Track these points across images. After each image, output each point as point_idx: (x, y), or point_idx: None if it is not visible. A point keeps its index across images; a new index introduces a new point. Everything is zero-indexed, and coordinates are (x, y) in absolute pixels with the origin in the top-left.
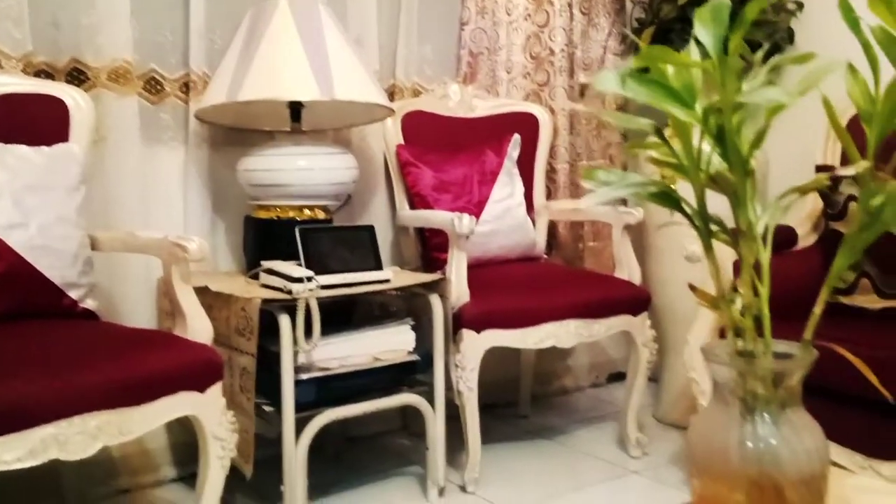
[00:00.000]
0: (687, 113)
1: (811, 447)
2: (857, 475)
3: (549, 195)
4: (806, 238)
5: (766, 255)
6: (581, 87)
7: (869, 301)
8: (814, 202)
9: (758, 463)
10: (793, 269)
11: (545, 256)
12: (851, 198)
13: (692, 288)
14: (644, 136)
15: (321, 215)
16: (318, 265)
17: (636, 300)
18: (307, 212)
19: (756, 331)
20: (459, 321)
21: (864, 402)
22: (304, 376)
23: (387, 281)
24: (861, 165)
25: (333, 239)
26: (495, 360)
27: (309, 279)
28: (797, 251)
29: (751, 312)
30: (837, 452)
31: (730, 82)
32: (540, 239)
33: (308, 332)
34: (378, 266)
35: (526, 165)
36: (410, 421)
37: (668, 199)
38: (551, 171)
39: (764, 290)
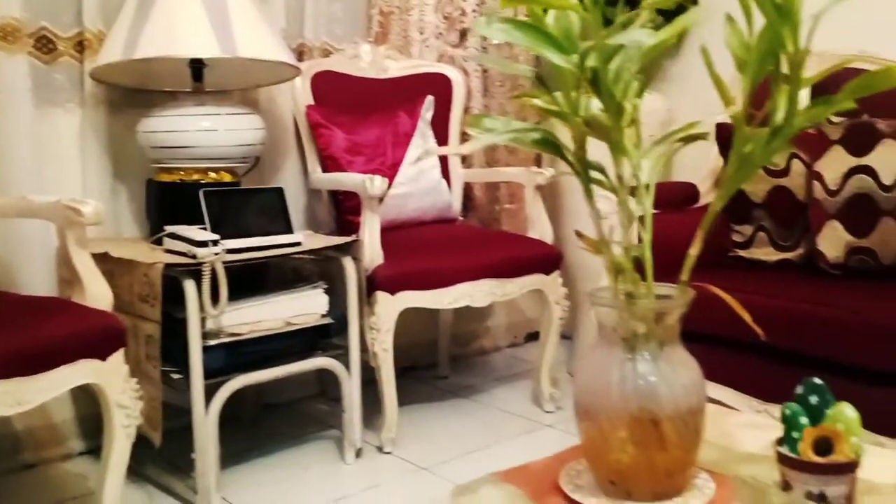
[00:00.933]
0: (563, 58)
1: (688, 383)
2: (743, 413)
3: (464, 158)
4: (707, 195)
5: (648, 202)
6: (461, 31)
7: (765, 254)
8: (716, 159)
9: (638, 399)
10: (693, 223)
11: (461, 218)
12: None
13: (578, 234)
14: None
15: (227, 178)
16: (225, 229)
17: (548, 259)
18: (212, 174)
19: (641, 275)
20: (373, 283)
21: (758, 349)
22: (213, 342)
23: (297, 244)
24: (732, 110)
25: (240, 202)
26: (413, 322)
27: (214, 243)
28: (698, 207)
29: (629, 255)
30: (734, 397)
31: (599, 25)
32: (455, 201)
33: (215, 297)
34: (288, 229)
35: (440, 127)
36: (328, 386)
37: (550, 145)
38: (466, 134)
39: (647, 236)
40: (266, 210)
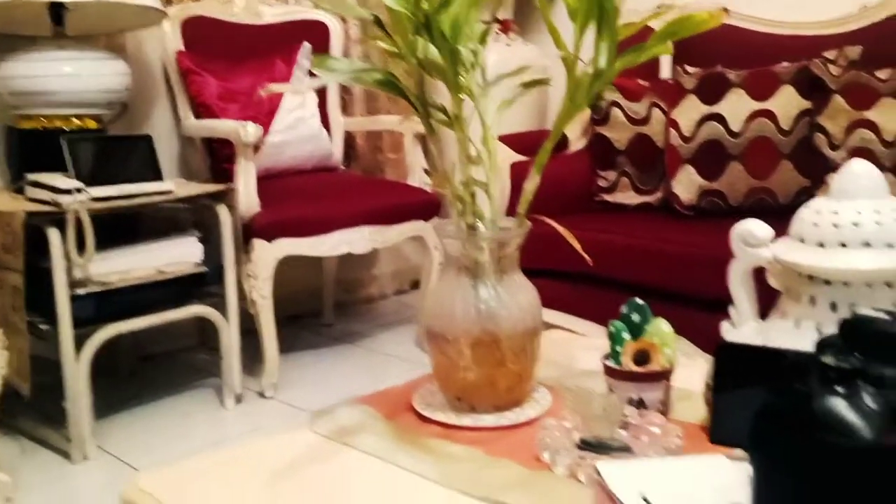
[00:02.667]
0: (397, 2)
1: (526, 307)
2: (588, 338)
3: (346, 106)
4: (577, 143)
5: (491, 142)
6: None
7: (628, 197)
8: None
9: (480, 322)
10: (563, 170)
11: (342, 167)
12: (614, 104)
13: (426, 171)
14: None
15: (92, 125)
16: (90, 177)
17: (427, 206)
18: (76, 121)
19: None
20: (250, 231)
21: (614, 283)
22: (82, 291)
23: (168, 192)
24: (563, 53)
25: (106, 149)
26: (297, 271)
27: (78, 191)
28: (568, 154)
29: (469, 189)
30: (588, 327)
31: None
32: (336, 150)
33: (82, 246)
34: (157, 177)
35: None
36: (209, 336)
37: (391, 85)
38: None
39: (491, 173)
40: (134, 158)
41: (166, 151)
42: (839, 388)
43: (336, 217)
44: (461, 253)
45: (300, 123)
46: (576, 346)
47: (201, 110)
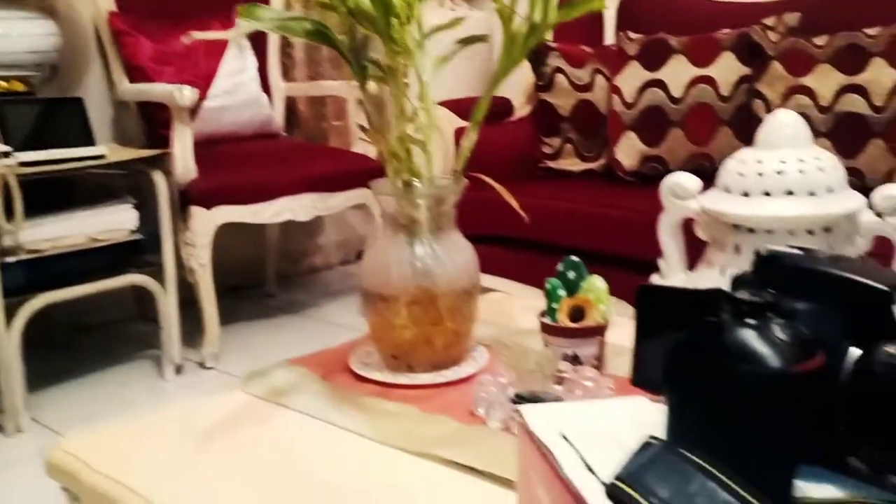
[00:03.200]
0: None
1: (462, 265)
2: (528, 299)
3: (287, 71)
4: (521, 109)
5: (428, 98)
6: None
7: (572, 164)
8: (529, 75)
9: (416, 280)
10: (508, 137)
11: (284, 134)
12: (558, 70)
13: (362, 129)
14: None
15: (20, 87)
16: (18, 141)
17: (371, 173)
18: (3, 84)
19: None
20: (187, 198)
21: (557, 249)
22: (11, 259)
23: (100, 157)
24: (499, 5)
25: (35, 113)
26: (239, 240)
27: (6, 155)
28: (512, 121)
29: (403, 145)
30: (532, 293)
31: None
32: (277, 116)
33: (10, 212)
34: (89, 142)
35: (259, 39)
36: (148, 307)
37: (322, 36)
38: (287, 46)
39: (428, 130)
40: (65, 122)
41: (99, 116)
42: (750, 321)
43: (277, 184)
44: (397, 211)
45: (239, 88)
46: (515, 307)
47: (135, 73)
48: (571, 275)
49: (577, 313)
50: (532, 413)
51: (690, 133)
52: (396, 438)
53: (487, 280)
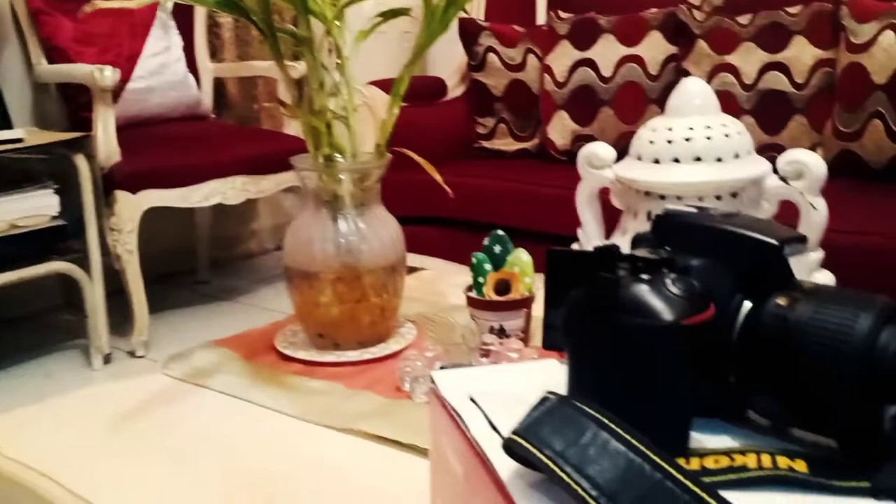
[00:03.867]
0: None
1: (387, 240)
2: (457, 276)
3: (215, 52)
4: (455, 89)
5: (348, 72)
6: None
7: (505, 144)
8: (462, 55)
9: (340, 257)
10: (441, 117)
11: (213, 116)
12: (490, 49)
13: (281, 104)
14: None
15: None
16: None
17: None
18: None
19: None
20: (112, 182)
21: (487, 227)
22: None
23: (18, 141)
24: None
25: None
26: (169, 226)
27: None
28: (446, 101)
29: (323, 119)
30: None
31: None
32: (205, 97)
33: None
34: (6, 125)
35: (184, 18)
36: (74, 295)
37: (233, 6)
38: (214, 26)
39: (349, 104)
40: None
41: (17, 99)
42: (644, 276)
43: (205, 166)
44: (319, 187)
45: (164, 69)
46: (444, 284)
47: (55, 54)
48: (497, 249)
49: (503, 287)
50: (442, 378)
51: (620, 112)
52: (320, 415)
53: (419, 260)
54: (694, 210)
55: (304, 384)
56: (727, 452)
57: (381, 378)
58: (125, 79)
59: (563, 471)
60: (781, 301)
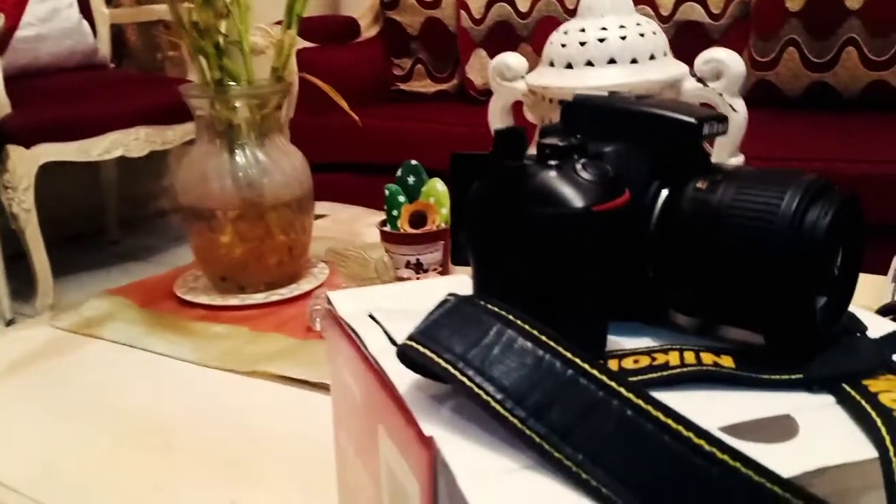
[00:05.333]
0: None
1: (291, 173)
2: (374, 217)
3: None
4: (369, 30)
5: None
6: None
7: (424, 86)
8: None
9: (240, 192)
10: (356, 59)
11: (112, 66)
12: None
13: (165, 25)
14: None
15: None
16: None
17: None
18: None
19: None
20: (3, 136)
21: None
22: None
23: None
24: None
25: None
26: (72, 184)
27: None
28: (360, 42)
29: (211, 40)
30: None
31: None
32: (102, 46)
33: None
34: None
35: None
36: None
37: None
38: None
39: (242, 26)
40: None
41: None
42: (552, 163)
43: (104, 117)
44: (212, 115)
45: (55, 15)
46: (360, 224)
47: None
48: (411, 180)
49: (419, 219)
50: (340, 298)
51: (539, 47)
52: (221, 359)
53: (333, 209)
54: (603, 94)
55: (206, 329)
56: (647, 352)
57: (291, 319)
58: (12, 26)
59: (464, 374)
60: (700, 185)
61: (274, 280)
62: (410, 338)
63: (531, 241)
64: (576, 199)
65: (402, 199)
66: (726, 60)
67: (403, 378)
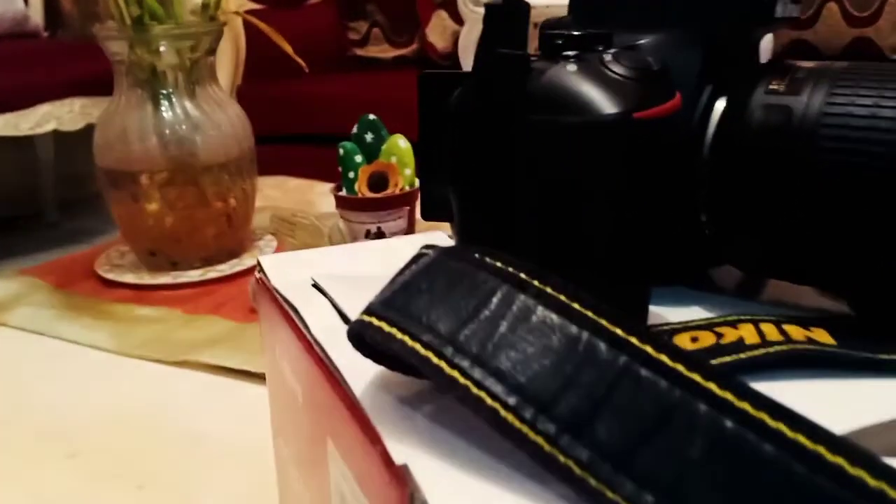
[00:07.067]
0: None
1: (228, 129)
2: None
3: None
4: None
5: None
6: None
7: (382, 51)
8: None
9: (167, 152)
10: (307, 23)
11: (45, 34)
12: None
13: None
14: None
15: None
16: None
17: None
18: None
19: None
20: None
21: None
22: None
23: None
24: None
25: None
26: (7, 164)
27: None
28: (311, 5)
29: None
30: None
31: None
32: (34, 13)
33: None
34: None
35: None
36: None
37: None
38: None
39: None
40: None
41: None
42: (570, 54)
43: (34, 87)
44: (132, 60)
45: None
46: (313, 193)
47: None
48: (369, 137)
49: (379, 181)
50: (274, 263)
51: None
52: (145, 348)
53: (284, 182)
54: None
55: (131, 313)
56: (707, 325)
57: (230, 300)
58: None
59: (454, 366)
60: (776, 85)
61: (211, 255)
62: (369, 311)
63: (543, 165)
64: (607, 103)
65: (358, 158)
66: None
67: (362, 371)
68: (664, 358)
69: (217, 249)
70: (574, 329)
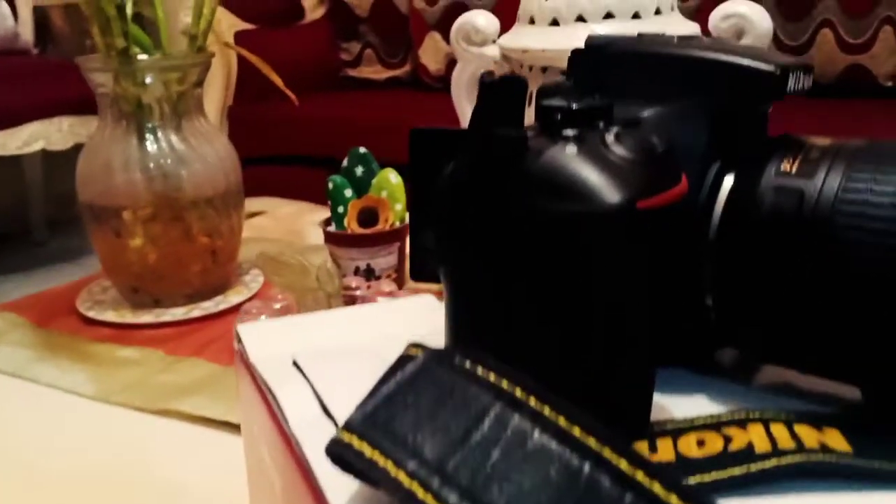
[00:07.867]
0: None
1: (215, 162)
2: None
3: None
4: (314, 11)
5: None
6: None
7: (374, 72)
8: None
9: (151, 186)
10: (300, 43)
11: (35, 52)
12: None
13: None
14: None
15: None
16: None
17: None
18: None
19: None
20: None
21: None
22: None
23: None
24: None
25: None
26: None
27: None
28: (304, 25)
29: (113, 1)
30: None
31: None
32: (24, 30)
33: None
34: None
35: None
36: None
37: None
38: None
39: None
40: None
41: None
42: (569, 133)
43: (23, 106)
44: (117, 93)
45: None
46: (302, 222)
47: None
48: (359, 170)
49: (369, 216)
50: (253, 334)
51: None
52: (125, 394)
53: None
54: (629, 37)
55: (111, 353)
56: (715, 425)
57: (215, 340)
58: None
59: (440, 500)
60: (787, 165)
61: (196, 292)
62: (349, 427)
63: (540, 253)
64: (610, 190)
65: (348, 193)
66: (750, 15)
67: (343, 484)
68: (674, 500)
69: (202, 286)
70: (575, 461)
